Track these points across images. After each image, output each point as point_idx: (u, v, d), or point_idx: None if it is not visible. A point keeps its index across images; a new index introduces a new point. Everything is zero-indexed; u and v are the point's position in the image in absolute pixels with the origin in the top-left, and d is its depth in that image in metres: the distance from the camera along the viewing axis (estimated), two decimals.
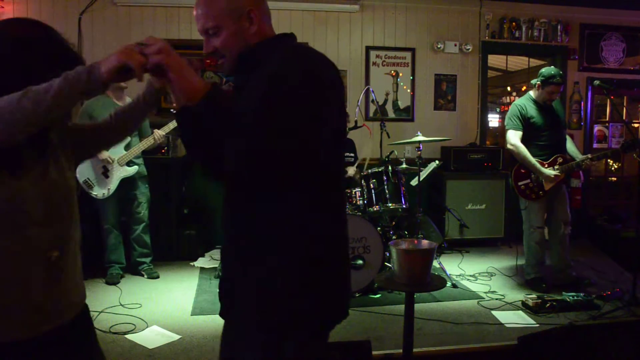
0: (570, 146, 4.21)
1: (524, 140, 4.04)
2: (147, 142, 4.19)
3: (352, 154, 4.96)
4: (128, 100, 4.23)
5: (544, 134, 4.06)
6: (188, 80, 1.17)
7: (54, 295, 1.22)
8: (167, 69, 1.16)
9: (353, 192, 4.34)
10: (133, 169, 4.20)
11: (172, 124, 4.24)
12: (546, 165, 4.04)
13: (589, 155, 4.10)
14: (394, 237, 4.18)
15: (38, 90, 1.06)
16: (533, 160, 4.00)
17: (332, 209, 1.31)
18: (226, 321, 1.41)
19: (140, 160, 4.31)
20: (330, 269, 1.30)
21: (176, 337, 3.13)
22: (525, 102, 4.11)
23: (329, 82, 1.25)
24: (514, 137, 4.05)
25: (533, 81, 4.14)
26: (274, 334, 1.25)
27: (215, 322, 3.40)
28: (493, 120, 8.90)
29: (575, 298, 3.63)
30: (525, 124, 4.04)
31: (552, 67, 4.18)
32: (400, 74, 5.78)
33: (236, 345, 1.34)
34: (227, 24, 1.31)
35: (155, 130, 4.22)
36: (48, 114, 1.07)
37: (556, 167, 4.04)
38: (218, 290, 1.41)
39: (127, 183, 4.20)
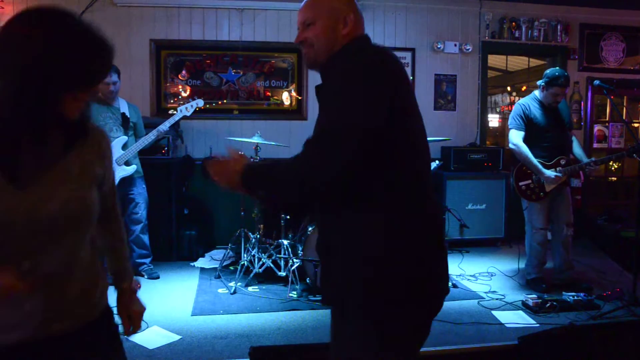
0: (576, 149, 4.17)
1: (526, 140, 4.02)
2: (148, 139, 4.20)
3: None
4: (122, 102, 4.25)
5: (547, 135, 4.02)
6: (226, 183, 1.44)
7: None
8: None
9: None
10: (131, 168, 4.20)
11: (174, 119, 4.26)
12: (547, 167, 4.02)
13: (594, 159, 4.07)
14: None
15: None
16: (535, 160, 3.98)
17: (411, 206, 1.41)
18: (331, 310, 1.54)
19: (136, 160, 4.31)
20: (412, 258, 1.38)
21: (176, 337, 3.13)
22: (529, 101, 4.08)
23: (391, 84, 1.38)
24: (516, 137, 4.03)
25: (538, 82, 4.11)
26: (373, 318, 1.37)
27: (215, 322, 3.40)
28: (493, 120, 8.91)
29: (576, 298, 3.63)
30: (528, 124, 4.02)
31: (557, 68, 4.14)
32: None
33: (340, 330, 1.47)
34: (324, 19, 1.47)
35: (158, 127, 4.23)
36: None
37: (558, 168, 4.03)
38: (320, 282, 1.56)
39: (125, 183, 4.20)
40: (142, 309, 1.49)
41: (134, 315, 1.47)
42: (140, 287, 1.55)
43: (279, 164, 1.38)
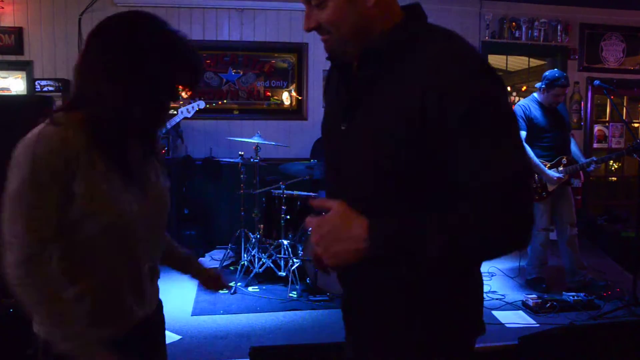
0: (573, 148, 4.19)
1: (527, 140, 4.02)
2: None
3: None
4: None
5: (547, 135, 4.03)
6: (342, 258, 0.98)
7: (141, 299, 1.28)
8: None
9: None
10: None
11: (174, 120, 4.26)
12: (549, 166, 4.02)
13: (594, 158, 4.07)
14: None
15: None
16: (537, 160, 3.98)
17: None
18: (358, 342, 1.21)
19: None
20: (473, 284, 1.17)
21: (176, 337, 3.13)
22: (528, 102, 4.09)
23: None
24: None
25: (537, 85, 4.11)
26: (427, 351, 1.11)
27: (215, 322, 3.40)
28: None
29: (576, 298, 3.63)
30: (529, 124, 4.03)
31: (556, 69, 4.16)
32: None
33: None
34: None
35: None
36: None
37: (560, 168, 4.03)
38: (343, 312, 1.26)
39: None
40: (218, 275, 1.59)
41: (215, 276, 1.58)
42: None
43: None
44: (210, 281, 1.57)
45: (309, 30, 1.09)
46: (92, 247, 1.14)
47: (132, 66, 1.11)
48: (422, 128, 0.96)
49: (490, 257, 1.01)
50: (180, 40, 1.17)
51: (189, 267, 1.54)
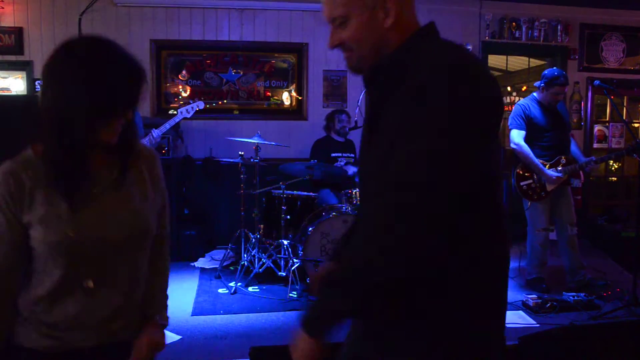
0: (573, 148, 4.19)
1: (526, 140, 4.02)
2: (148, 142, 4.20)
3: (352, 155, 4.96)
4: None
5: (547, 134, 4.04)
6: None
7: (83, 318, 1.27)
8: None
9: (353, 192, 4.35)
10: None
11: (174, 120, 4.26)
12: (548, 166, 4.03)
13: (593, 158, 4.08)
14: None
15: None
16: (536, 160, 3.98)
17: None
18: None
19: None
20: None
21: (176, 337, 3.13)
22: (528, 102, 4.10)
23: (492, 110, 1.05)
24: (517, 137, 4.04)
25: (536, 84, 4.12)
26: None
27: (215, 322, 3.40)
28: None
29: (576, 298, 3.63)
30: (529, 124, 4.03)
31: (555, 68, 4.17)
32: None
33: None
34: (357, 13, 1.12)
35: (153, 130, 4.22)
36: None
37: (559, 168, 4.03)
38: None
39: None
40: (162, 342, 1.40)
41: (152, 344, 1.37)
42: (167, 324, 1.46)
43: None
44: (143, 341, 1.36)
45: (332, 47, 1.19)
46: (44, 265, 1.23)
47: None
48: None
49: (380, 276, 0.98)
50: (106, 54, 1.19)
51: (145, 309, 1.40)
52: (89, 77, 1.14)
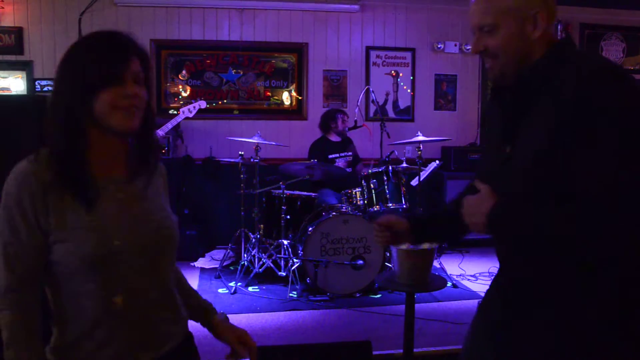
0: None
1: None
2: None
3: (349, 154, 4.97)
4: None
5: None
6: (474, 226, 1.22)
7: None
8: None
9: (353, 192, 4.35)
10: None
11: (176, 120, 4.26)
12: None
13: None
14: None
15: None
16: None
17: None
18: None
19: None
20: None
21: None
22: None
23: None
24: None
25: None
26: None
27: None
28: None
29: None
30: None
31: None
32: (401, 74, 5.78)
33: None
34: (507, 24, 1.18)
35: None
36: None
37: None
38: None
39: None
40: (244, 331, 1.39)
41: (243, 337, 1.37)
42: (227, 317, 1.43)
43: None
44: (227, 335, 1.37)
45: (476, 52, 1.25)
46: (73, 285, 1.10)
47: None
48: (569, 137, 1.09)
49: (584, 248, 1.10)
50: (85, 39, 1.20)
51: (203, 319, 1.39)
52: (81, 54, 1.14)
